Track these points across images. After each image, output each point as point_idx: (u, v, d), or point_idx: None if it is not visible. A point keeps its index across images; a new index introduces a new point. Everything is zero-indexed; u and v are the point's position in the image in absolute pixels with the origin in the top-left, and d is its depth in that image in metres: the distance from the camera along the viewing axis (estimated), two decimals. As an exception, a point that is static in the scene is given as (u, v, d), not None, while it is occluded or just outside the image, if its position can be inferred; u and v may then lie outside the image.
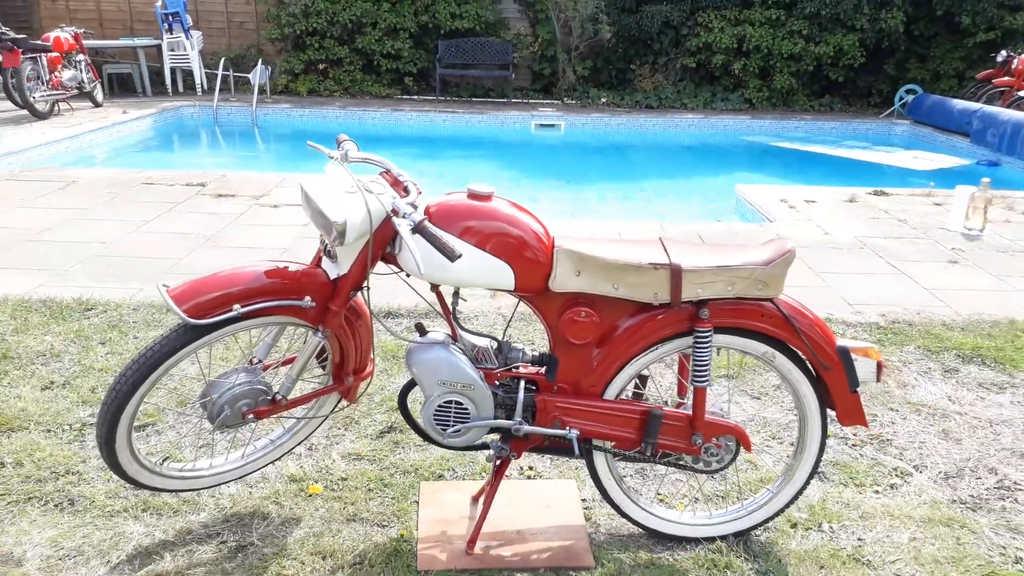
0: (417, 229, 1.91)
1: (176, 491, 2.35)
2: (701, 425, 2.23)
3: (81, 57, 10.99)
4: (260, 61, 12.10)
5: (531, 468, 2.76)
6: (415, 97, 13.03)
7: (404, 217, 1.94)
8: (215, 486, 2.44)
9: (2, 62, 9.72)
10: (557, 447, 2.31)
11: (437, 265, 2.03)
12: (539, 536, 2.38)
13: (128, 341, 3.55)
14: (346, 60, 12.92)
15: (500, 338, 2.28)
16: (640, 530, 2.41)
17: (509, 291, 2.11)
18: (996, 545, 2.41)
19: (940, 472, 2.79)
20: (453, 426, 2.20)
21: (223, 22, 13.79)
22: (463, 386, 2.17)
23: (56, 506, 2.45)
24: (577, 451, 2.19)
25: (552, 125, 11.36)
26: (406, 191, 2.07)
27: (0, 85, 10.02)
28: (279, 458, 2.54)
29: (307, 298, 2.10)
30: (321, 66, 13.01)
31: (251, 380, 2.20)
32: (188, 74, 12.87)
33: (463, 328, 2.26)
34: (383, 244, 2.10)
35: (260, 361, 2.27)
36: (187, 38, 12.54)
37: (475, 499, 2.53)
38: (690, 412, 2.23)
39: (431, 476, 2.68)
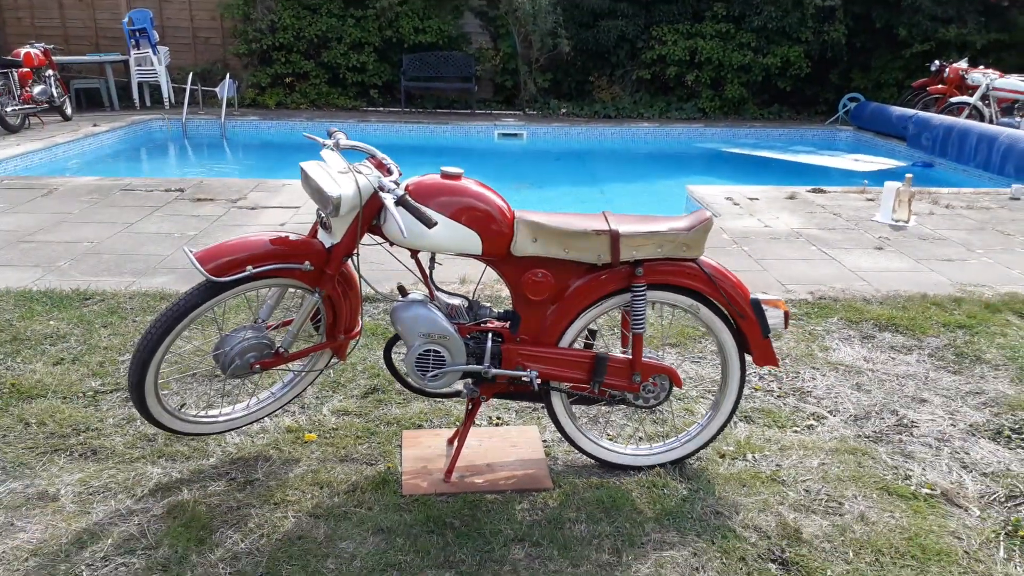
0: (400, 202, 2.31)
1: (193, 434, 2.71)
2: (639, 365, 2.65)
3: (51, 72, 11.19)
4: (227, 75, 12.40)
5: (499, 419, 3.15)
6: (380, 109, 13.41)
7: (389, 192, 2.34)
8: (226, 431, 2.80)
9: (-26, 77, 9.95)
10: (520, 392, 2.71)
11: (416, 233, 2.43)
12: (506, 468, 2.77)
13: (128, 324, 3.88)
14: (312, 74, 13.27)
15: (470, 298, 2.69)
16: (593, 462, 2.81)
17: (477, 256, 2.52)
18: (890, 467, 2.86)
19: (851, 415, 3.25)
20: (432, 371, 2.59)
21: (188, 38, 14.05)
22: (440, 337, 2.56)
23: (81, 455, 2.78)
24: (535, 388, 2.59)
25: (515, 134, 11.82)
26: (389, 172, 2.47)
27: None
28: (279, 408, 2.91)
29: (306, 263, 2.48)
30: (288, 79, 13.34)
31: (257, 336, 2.57)
32: (155, 88, 13.11)
33: (439, 289, 2.65)
34: (370, 217, 2.49)
35: (264, 321, 2.65)
36: (154, 53, 12.79)
37: (450, 442, 2.91)
38: (630, 356, 2.65)
39: (412, 426, 3.06)
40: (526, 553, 2.35)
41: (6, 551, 2.29)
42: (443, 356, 2.58)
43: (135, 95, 13.05)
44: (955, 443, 3.04)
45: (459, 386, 2.67)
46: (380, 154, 2.54)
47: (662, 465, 2.79)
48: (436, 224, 2.30)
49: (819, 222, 6.19)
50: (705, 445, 2.82)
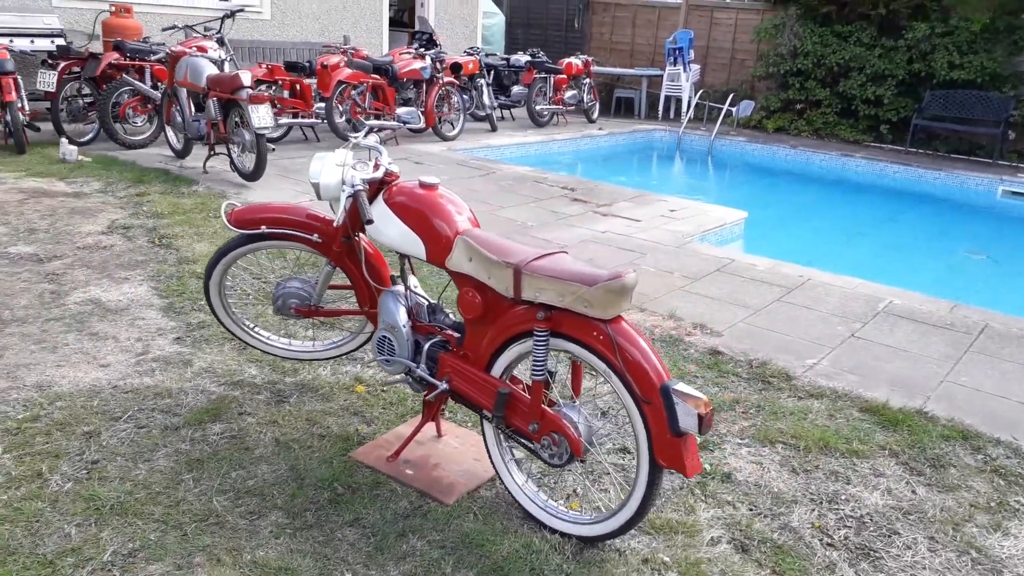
0: (351, 196, 2.66)
1: (250, 346, 3.48)
2: (536, 415, 2.48)
3: (587, 80, 13.14)
4: (731, 96, 12.84)
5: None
6: (885, 146, 12.26)
7: (350, 186, 2.70)
8: (286, 359, 3.51)
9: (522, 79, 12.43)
10: (465, 401, 2.77)
11: (373, 228, 2.73)
12: (442, 471, 2.88)
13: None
14: (824, 102, 12.82)
15: (433, 301, 2.85)
16: (515, 504, 2.72)
17: (424, 260, 2.69)
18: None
19: (886, 603, 2.38)
20: (384, 355, 2.87)
21: (727, 58, 14.83)
22: (392, 328, 2.82)
23: (238, 349, 3.80)
24: (431, 397, 2.67)
25: (1025, 195, 9.69)
26: (376, 170, 2.81)
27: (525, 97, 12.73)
28: (336, 357, 3.48)
29: (315, 235, 3.00)
30: (799, 106, 13.14)
31: (301, 288, 3.19)
32: (680, 102, 14.29)
33: (409, 289, 2.89)
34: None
35: (318, 279, 3.25)
36: (684, 71, 13.92)
37: (439, 436, 3.11)
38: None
39: (442, 415, 3.31)
40: (352, 532, 2.53)
41: (137, 386, 3.39)
42: (394, 345, 2.83)
43: (660, 107, 14.46)
44: None
45: (398, 376, 2.88)
46: (385, 156, 2.87)
47: (565, 535, 2.56)
48: (372, 221, 2.60)
49: None
50: (607, 537, 2.47)
